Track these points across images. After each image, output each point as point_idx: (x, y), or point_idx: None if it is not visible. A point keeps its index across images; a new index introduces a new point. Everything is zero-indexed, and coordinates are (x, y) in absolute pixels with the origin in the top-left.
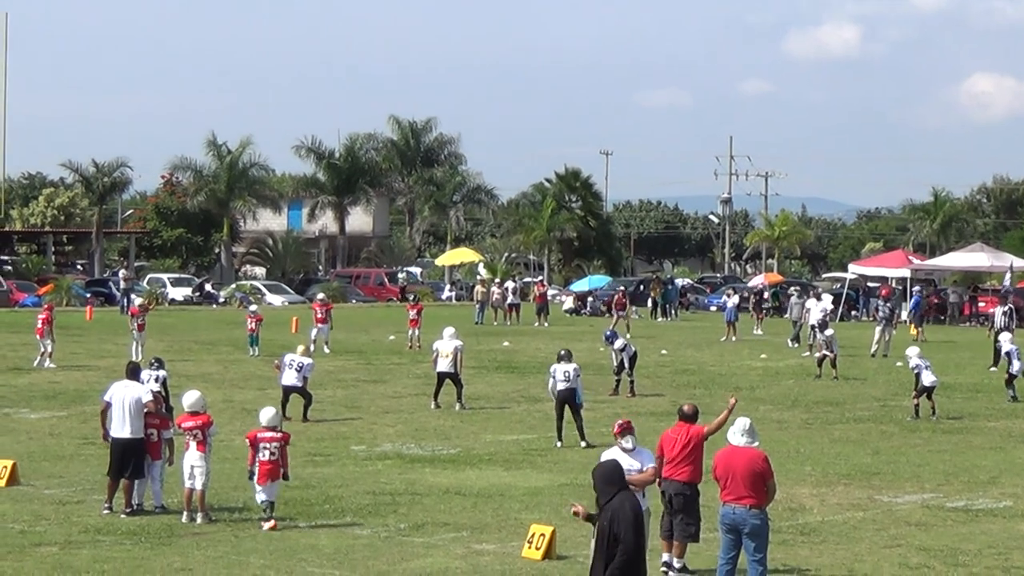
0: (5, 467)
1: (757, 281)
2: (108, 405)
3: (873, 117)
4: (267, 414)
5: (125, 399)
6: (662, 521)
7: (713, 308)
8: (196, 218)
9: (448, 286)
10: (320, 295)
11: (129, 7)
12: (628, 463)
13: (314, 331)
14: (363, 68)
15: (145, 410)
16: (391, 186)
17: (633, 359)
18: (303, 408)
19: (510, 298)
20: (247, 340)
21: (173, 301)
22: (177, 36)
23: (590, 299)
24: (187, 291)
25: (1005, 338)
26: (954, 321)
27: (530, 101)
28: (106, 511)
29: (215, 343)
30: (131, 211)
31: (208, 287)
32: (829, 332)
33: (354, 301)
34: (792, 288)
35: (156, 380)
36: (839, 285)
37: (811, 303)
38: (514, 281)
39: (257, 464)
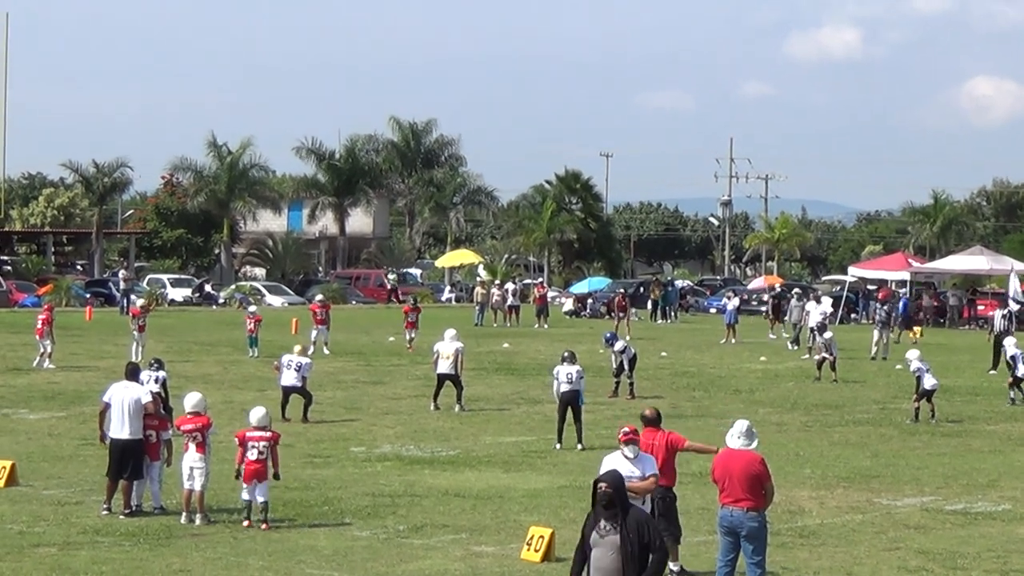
0: (4, 468)
1: (757, 283)
2: (107, 406)
3: (873, 120)
4: (257, 413)
5: (124, 400)
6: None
7: (713, 310)
8: (196, 219)
9: (448, 288)
10: (319, 296)
11: (130, 7)
12: (629, 470)
13: (314, 332)
14: (364, 69)
15: (144, 411)
16: (391, 187)
17: (633, 361)
18: (303, 408)
19: (510, 300)
20: (246, 341)
21: (173, 302)
22: (178, 36)
23: (590, 301)
24: (187, 292)
25: (1010, 342)
26: (953, 324)
27: (530, 102)
28: (105, 512)
29: (215, 344)
30: (131, 211)
31: (208, 288)
32: (828, 335)
33: (354, 302)
34: (793, 291)
35: (156, 381)
36: (839, 288)
37: (811, 306)
38: (514, 283)
39: (244, 463)
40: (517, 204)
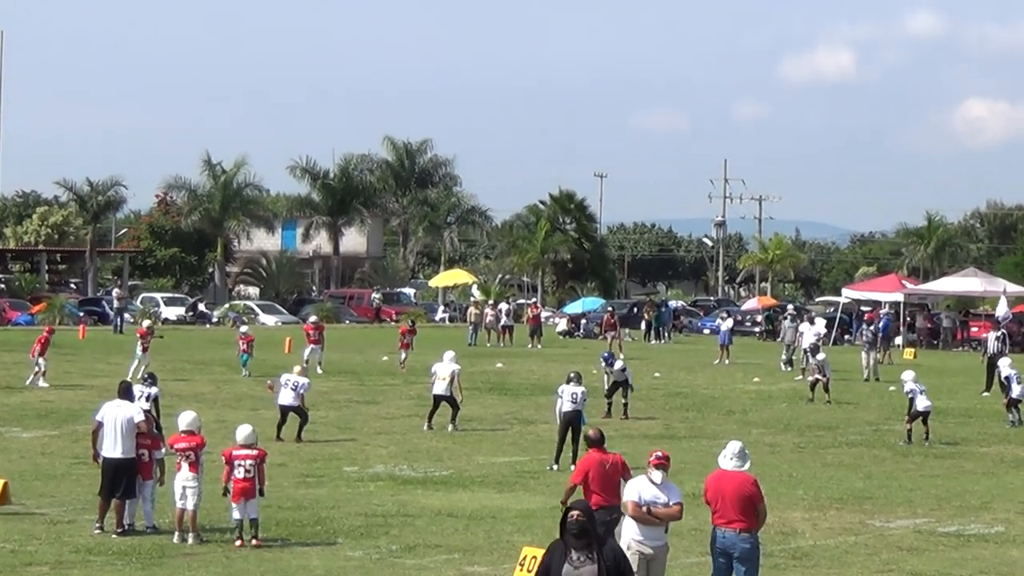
0: None
1: (751, 304)
2: (100, 425)
3: (867, 141)
4: (243, 432)
5: (117, 419)
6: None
7: (707, 331)
8: (190, 237)
9: (441, 307)
10: (313, 317)
11: (126, 26)
12: (653, 494)
13: (307, 351)
14: (359, 89)
15: (137, 430)
16: (385, 207)
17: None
18: (298, 427)
19: (503, 320)
20: (239, 360)
21: (166, 320)
22: (173, 55)
23: (583, 321)
24: (180, 311)
25: (1004, 363)
26: (947, 346)
27: (525, 123)
28: (97, 531)
29: (208, 363)
30: (125, 230)
31: (201, 307)
32: (821, 356)
33: (347, 322)
34: (786, 312)
35: (147, 398)
36: (832, 309)
37: (804, 327)
38: (508, 303)
39: (232, 481)
40: (511, 224)
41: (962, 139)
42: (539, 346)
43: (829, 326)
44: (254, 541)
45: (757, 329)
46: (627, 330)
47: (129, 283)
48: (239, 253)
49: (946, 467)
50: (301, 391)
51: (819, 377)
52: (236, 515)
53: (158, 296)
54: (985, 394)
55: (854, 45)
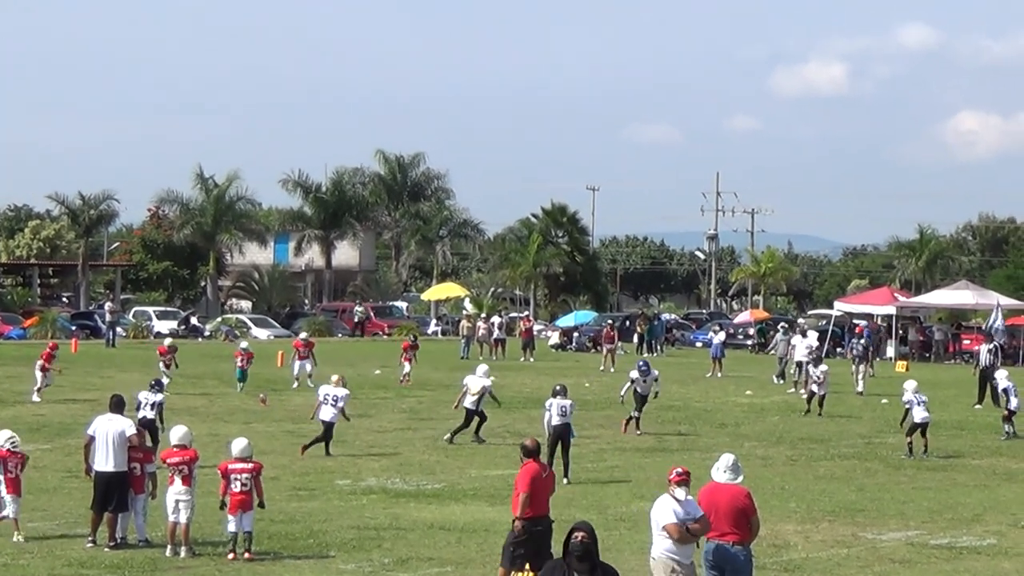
0: None
1: (743, 318)
2: (92, 439)
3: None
4: (239, 445)
5: (109, 432)
6: (525, 556)
7: (699, 344)
8: (182, 251)
9: (434, 321)
10: (303, 334)
11: (119, 39)
12: (685, 511)
13: (296, 366)
14: (351, 103)
15: (128, 444)
16: (378, 220)
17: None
18: (318, 439)
19: (496, 333)
20: (235, 375)
21: (159, 334)
22: (165, 69)
23: (576, 334)
24: (173, 324)
25: (1002, 375)
26: (939, 359)
27: (517, 136)
28: (90, 545)
29: (200, 376)
30: (117, 244)
31: (194, 320)
32: (824, 368)
33: (340, 335)
34: (779, 325)
35: (151, 406)
36: (825, 322)
37: (796, 339)
38: (500, 316)
39: (229, 495)
40: (503, 237)
41: (954, 152)
42: (532, 359)
43: (821, 339)
44: (247, 555)
45: (749, 342)
46: (619, 343)
47: (121, 297)
48: (231, 267)
49: (938, 479)
50: (341, 404)
51: (815, 390)
52: (231, 527)
53: (150, 310)
54: (977, 407)
55: (847, 58)
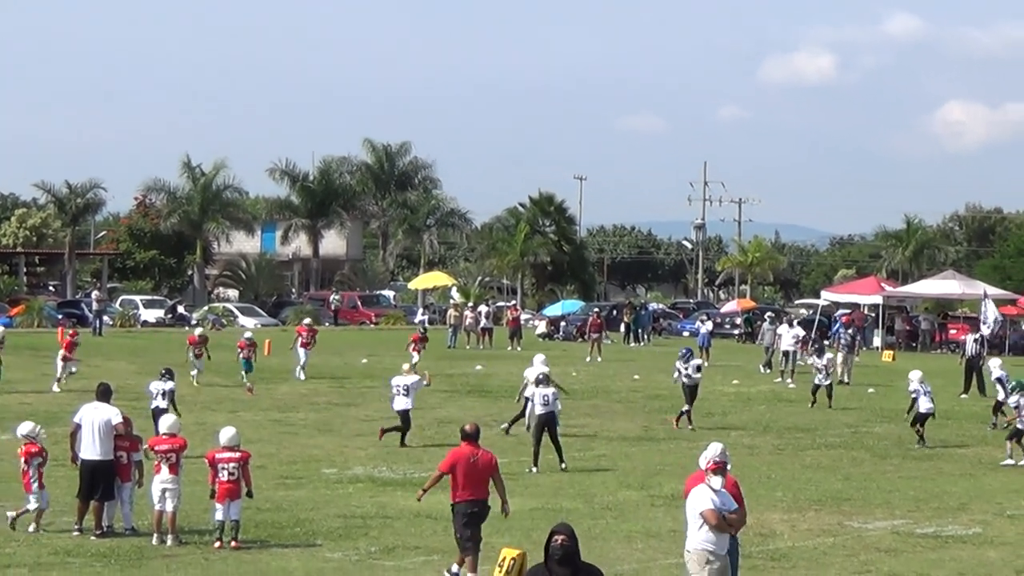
0: None
1: (730, 307)
2: (78, 427)
3: (847, 144)
4: (226, 434)
5: (95, 421)
6: (465, 538)
7: (686, 333)
8: (169, 240)
9: (421, 310)
10: (307, 320)
11: (103, 28)
12: (722, 501)
13: (302, 354)
14: (338, 91)
15: (115, 432)
16: (365, 209)
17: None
18: (398, 429)
19: (483, 322)
20: (241, 365)
21: (145, 323)
22: (153, 58)
23: (563, 323)
24: (159, 313)
25: (995, 363)
26: (925, 348)
27: (505, 126)
28: (76, 533)
29: (187, 365)
30: (104, 232)
31: (180, 309)
32: (829, 356)
33: (327, 324)
34: (765, 314)
35: (163, 394)
36: (811, 312)
37: (782, 329)
38: (487, 305)
39: (216, 483)
40: (491, 226)
41: (941, 142)
42: (519, 348)
43: (808, 329)
44: (233, 543)
45: (736, 332)
46: (606, 332)
47: (108, 285)
48: (218, 255)
49: (924, 469)
50: (414, 391)
51: (819, 383)
52: (219, 516)
53: (137, 298)
54: (963, 396)
55: (835, 48)
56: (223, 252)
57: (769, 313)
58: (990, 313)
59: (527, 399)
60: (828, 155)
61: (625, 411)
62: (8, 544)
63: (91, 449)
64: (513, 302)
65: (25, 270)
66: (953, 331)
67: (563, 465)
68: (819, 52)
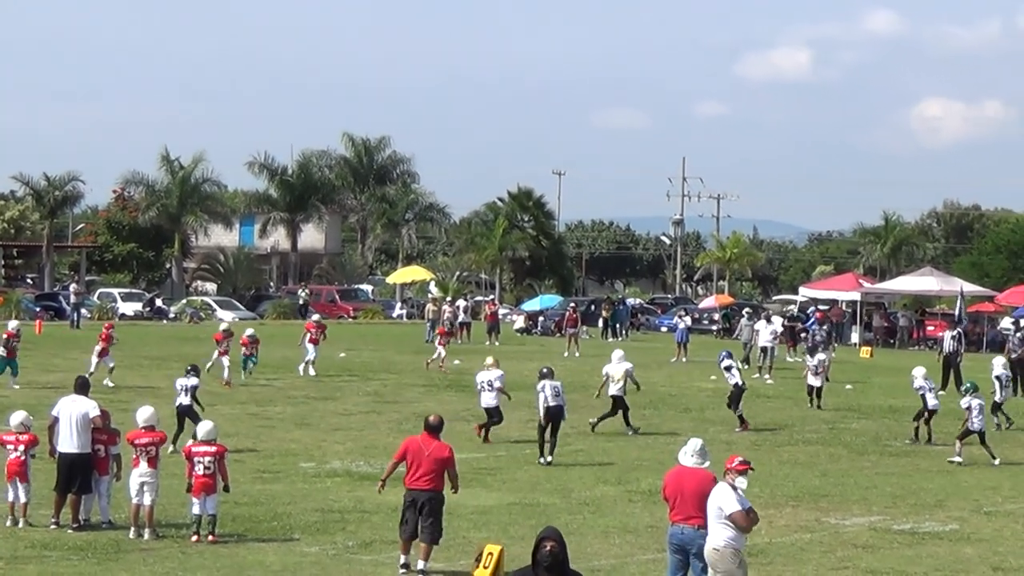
0: None
1: (708, 303)
2: (56, 420)
3: (825, 140)
4: (204, 428)
5: (72, 414)
6: (405, 525)
7: (664, 329)
8: (147, 233)
9: (399, 304)
10: (316, 316)
11: (84, 21)
12: (739, 502)
13: (311, 350)
14: (317, 85)
15: (92, 425)
16: (343, 203)
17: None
18: (489, 424)
19: (461, 316)
20: (250, 362)
21: (123, 316)
22: (131, 50)
23: (541, 318)
24: (137, 306)
25: (998, 362)
26: (903, 345)
27: (483, 120)
28: (53, 526)
29: (165, 358)
30: (82, 225)
31: (159, 302)
32: (821, 356)
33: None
34: (743, 310)
35: (185, 391)
36: (790, 308)
37: (760, 325)
38: (465, 300)
39: (193, 477)
40: (469, 221)
41: (920, 139)
42: (496, 343)
43: (788, 326)
44: (210, 537)
45: (714, 327)
46: (584, 327)
47: (86, 278)
48: (196, 249)
49: (901, 465)
50: (498, 384)
51: (813, 383)
52: (195, 510)
53: (115, 291)
54: (941, 392)
55: (813, 44)
56: (201, 245)
57: (747, 309)
58: (960, 311)
59: (614, 397)
60: (807, 151)
61: (603, 406)
62: None
63: (69, 442)
64: (491, 297)
65: (3, 263)
66: (931, 328)
67: (549, 459)
68: (798, 48)
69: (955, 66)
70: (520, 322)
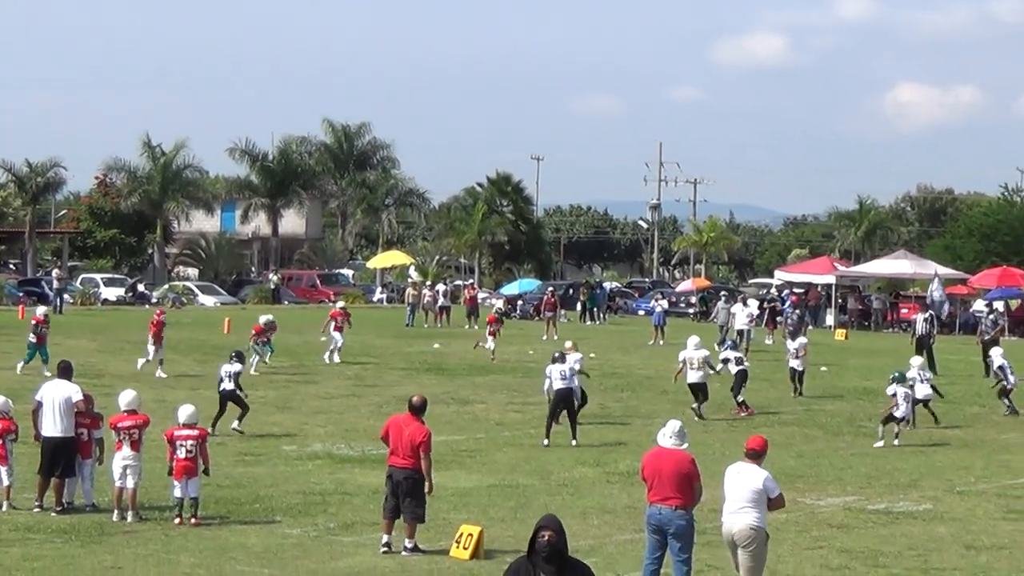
0: None
1: (685, 286)
2: (39, 404)
3: (800, 125)
4: (186, 411)
5: (56, 398)
6: (386, 503)
7: (641, 312)
8: (129, 219)
9: (379, 289)
10: (340, 303)
11: (67, 7)
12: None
13: (338, 337)
14: (298, 71)
15: (75, 409)
16: (324, 189)
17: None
18: (575, 417)
19: (440, 301)
20: (255, 350)
21: (106, 301)
22: (113, 37)
23: (520, 302)
24: (120, 291)
25: (996, 352)
26: (877, 327)
27: (462, 106)
28: (36, 509)
29: (147, 343)
30: (64, 211)
31: (141, 287)
32: (803, 340)
33: (286, 303)
34: (720, 293)
35: (229, 377)
36: (765, 291)
37: (736, 308)
38: (445, 284)
39: (174, 461)
40: (449, 206)
41: (893, 124)
42: (476, 327)
43: (761, 308)
44: (193, 519)
45: (691, 311)
46: (563, 311)
47: (69, 264)
48: (178, 234)
49: (875, 446)
50: (577, 368)
51: (795, 367)
52: (177, 493)
53: (98, 277)
54: (928, 376)
55: (787, 30)
56: (183, 231)
57: (723, 292)
58: (936, 293)
59: (693, 384)
60: (782, 136)
61: (680, 390)
62: None
63: (52, 426)
64: (470, 281)
65: None
66: (904, 310)
67: (575, 441)
68: (772, 34)
69: (928, 52)
70: (499, 306)
